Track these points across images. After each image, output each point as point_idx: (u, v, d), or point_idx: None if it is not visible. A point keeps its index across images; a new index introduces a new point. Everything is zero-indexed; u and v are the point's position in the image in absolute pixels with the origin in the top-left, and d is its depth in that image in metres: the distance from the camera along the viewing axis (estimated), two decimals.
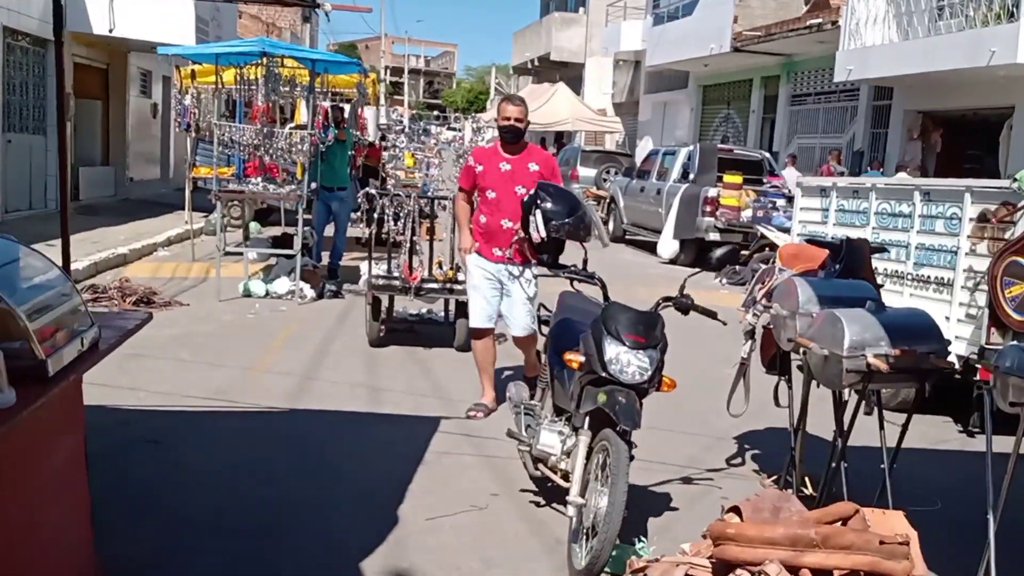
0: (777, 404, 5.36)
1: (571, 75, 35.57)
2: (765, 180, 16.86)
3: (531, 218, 4.69)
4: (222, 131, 10.68)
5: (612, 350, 4.24)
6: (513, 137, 6.29)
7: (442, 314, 9.12)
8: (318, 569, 4.18)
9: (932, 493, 5.41)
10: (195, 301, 9.97)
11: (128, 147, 20.84)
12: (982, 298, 6.70)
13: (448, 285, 8.22)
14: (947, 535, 4.42)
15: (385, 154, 11.27)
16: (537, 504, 5.02)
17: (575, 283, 4.86)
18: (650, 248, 17.19)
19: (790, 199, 15.92)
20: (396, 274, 8.29)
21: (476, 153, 6.63)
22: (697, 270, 4.66)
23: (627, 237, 18.66)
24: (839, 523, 3.75)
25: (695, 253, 15.98)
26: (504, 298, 6.36)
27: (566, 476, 4.62)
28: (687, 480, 5.52)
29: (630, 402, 4.21)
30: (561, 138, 32.66)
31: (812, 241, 5.94)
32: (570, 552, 4.25)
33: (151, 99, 22.36)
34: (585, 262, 4.83)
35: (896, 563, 2.90)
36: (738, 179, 15.54)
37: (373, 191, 8.39)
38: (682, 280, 4.68)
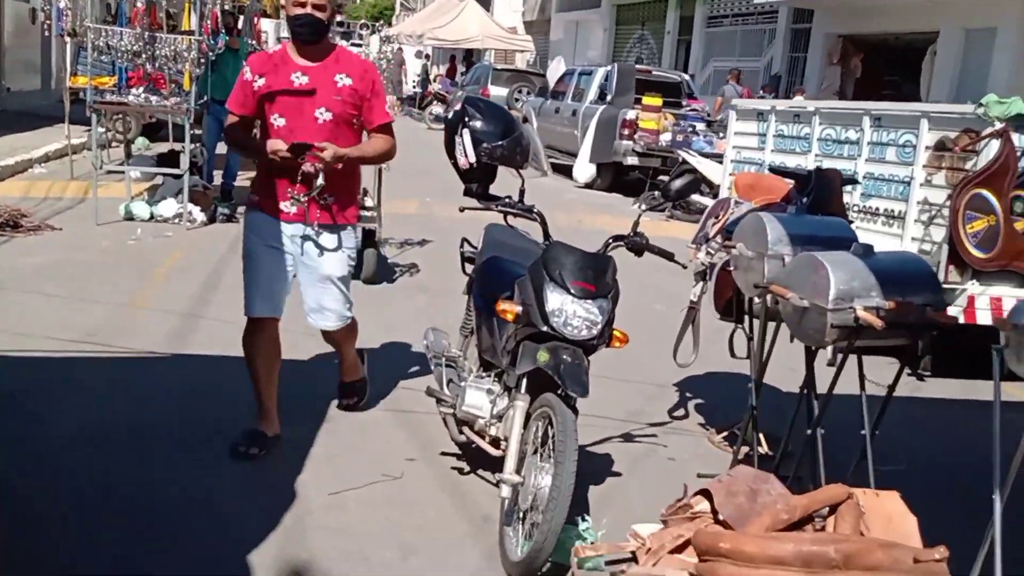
0: (733, 355, 4.75)
1: None
2: (684, 103, 16.27)
3: (457, 139, 3.89)
4: (97, 35, 9.54)
5: (556, 300, 3.54)
6: (312, 34, 4.17)
7: None
8: (197, 566, 3.44)
9: (893, 448, 4.90)
10: (69, 225, 8.94)
11: (4, 54, 19.14)
12: (937, 233, 6.21)
13: None
14: (923, 503, 3.88)
15: None
16: (461, 471, 4.33)
17: (509, 218, 4.12)
18: (566, 172, 16.49)
19: (710, 123, 15.41)
20: None
21: (254, 61, 4.36)
22: (656, 199, 3.98)
23: None
24: (827, 509, 3.16)
25: (612, 177, 15.37)
26: (302, 273, 4.41)
27: (496, 442, 3.95)
28: (628, 437, 4.91)
29: (577, 362, 3.53)
30: (470, 56, 31.56)
31: (774, 170, 5.30)
32: (503, 538, 3.59)
33: (29, 3, 20.56)
34: (522, 193, 4.07)
35: None
36: (657, 101, 14.89)
37: None
38: (633, 216, 4.00)
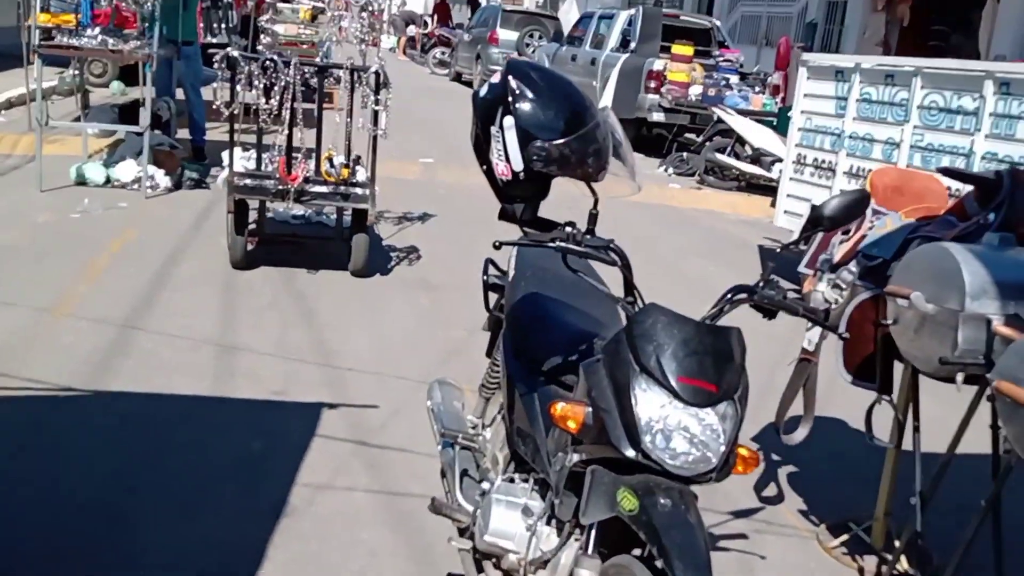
0: (870, 437, 3.32)
1: None
2: (716, 52, 14.67)
3: (494, 132, 2.41)
4: None
5: (652, 406, 2.11)
6: None
7: (335, 216, 6.88)
8: None
9: None
10: (7, 190, 7.50)
11: None
12: None
13: (342, 189, 5.98)
14: None
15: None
16: None
17: (569, 258, 2.62)
18: None
19: (744, 76, 13.93)
20: (269, 171, 5.98)
21: None
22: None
23: None
24: None
25: (634, 134, 13.86)
26: None
27: None
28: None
29: (689, 522, 2.12)
30: None
31: (942, 170, 3.84)
32: None
33: None
34: (593, 219, 2.61)
35: None
36: (689, 50, 13.30)
37: (237, 52, 5.95)
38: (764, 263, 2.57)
